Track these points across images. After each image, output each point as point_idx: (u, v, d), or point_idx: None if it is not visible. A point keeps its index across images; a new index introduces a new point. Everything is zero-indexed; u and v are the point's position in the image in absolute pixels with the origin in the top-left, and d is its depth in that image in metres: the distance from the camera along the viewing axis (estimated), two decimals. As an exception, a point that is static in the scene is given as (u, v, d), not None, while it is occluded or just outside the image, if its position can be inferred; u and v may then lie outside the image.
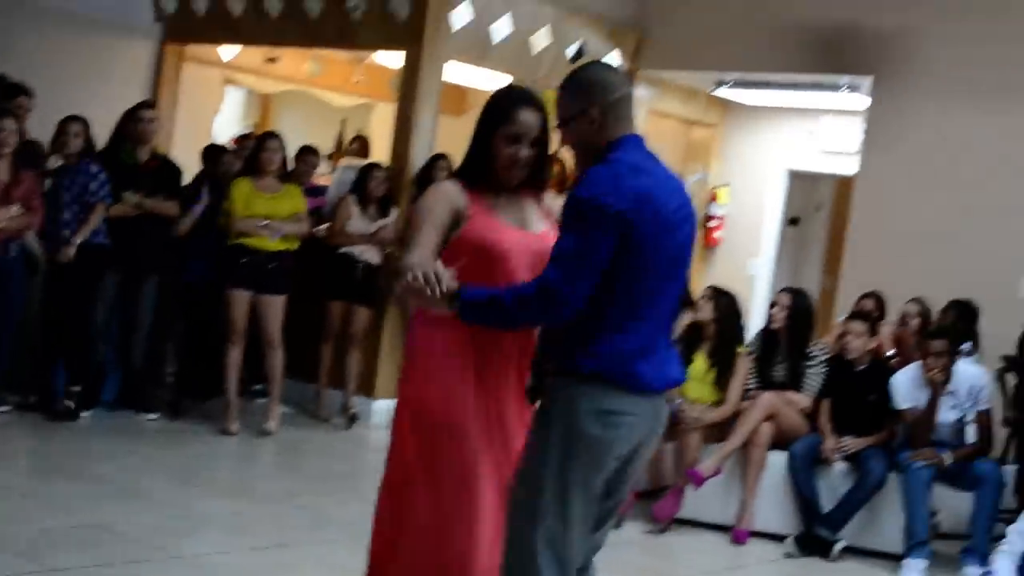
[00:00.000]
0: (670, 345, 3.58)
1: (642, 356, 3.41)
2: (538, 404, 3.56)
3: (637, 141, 3.51)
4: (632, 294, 3.38)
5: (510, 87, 3.98)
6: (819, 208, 13.14)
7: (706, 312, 7.29)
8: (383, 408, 8.77)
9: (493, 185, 3.85)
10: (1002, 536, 6.03)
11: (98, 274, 7.83)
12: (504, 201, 3.86)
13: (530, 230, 3.86)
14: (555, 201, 3.99)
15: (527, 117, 3.79)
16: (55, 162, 7.88)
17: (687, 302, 7.73)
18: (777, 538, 7.01)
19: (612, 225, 3.29)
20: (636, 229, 3.32)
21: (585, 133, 3.49)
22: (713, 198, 12.44)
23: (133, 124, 8.06)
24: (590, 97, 3.47)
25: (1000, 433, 7.58)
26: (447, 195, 3.82)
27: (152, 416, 8.10)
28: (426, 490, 3.79)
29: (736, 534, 7.01)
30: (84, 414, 7.82)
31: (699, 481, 6.92)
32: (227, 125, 12.34)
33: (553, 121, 3.64)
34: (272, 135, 8.39)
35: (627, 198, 3.31)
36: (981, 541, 6.68)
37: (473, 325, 3.56)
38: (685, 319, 7.35)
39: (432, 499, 3.78)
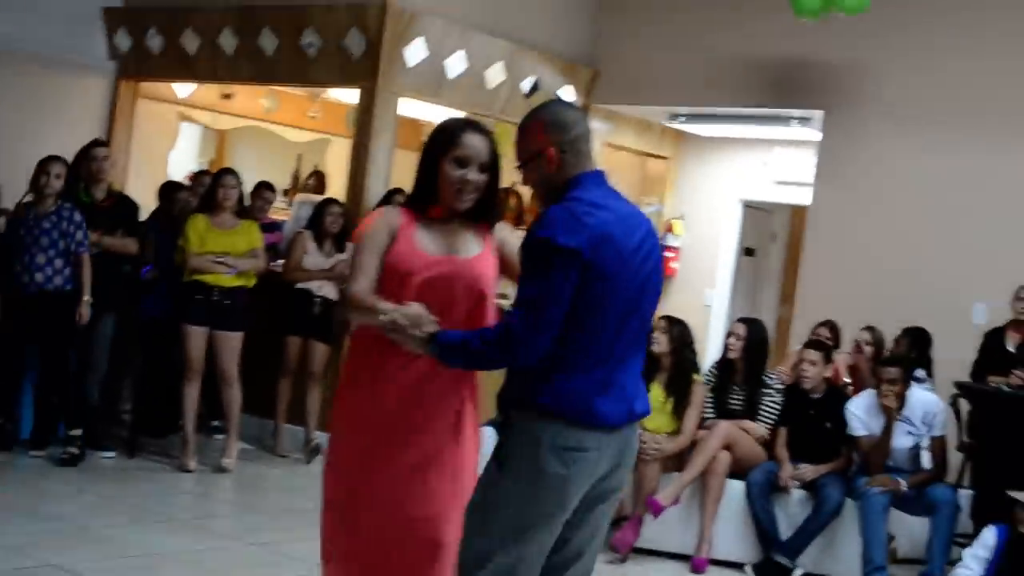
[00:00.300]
0: (636, 378, 3.58)
1: (602, 391, 3.41)
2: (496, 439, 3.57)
3: (597, 178, 3.52)
4: (591, 331, 3.38)
5: (458, 118, 3.99)
6: (774, 238, 13.25)
7: (662, 344, 7.31)
8: (342, 443, 8.77)
9: (442, 211, 3.84)
10: (958, 560, 6.08)
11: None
12: (440, 226, 3.84)
13: (459, 255, 3.82)
14: (507, 231, 4.00)
15: (474, 141, 3.77)
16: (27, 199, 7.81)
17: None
18: (736, 566, 7.04)
19: (571, 265, 3.30)
20: (594, 267, 3.33)
21: (545, 172, 3.50)
22: (669, 229, 12.51)
23: (87, 163, 8.03)
24: (548, 137, 3.48)
25: (955, 458, 7.66)
26: (385, 218, 3.84)
27: (109, 454, 8.05)
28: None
29: (695, 563, 7.02)
30: (36, 453, 7.78)
31: (658, 510, 6.94)
32: (183, 161, 12.31)
33: (512, 160, 3.63)
34: (229, 171, 8.38)
35: (584, 237, 3.32)
36: (938, 566, 6.74)
37: (452, 367, 3.60)
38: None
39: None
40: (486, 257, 3.86)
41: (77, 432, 7.80)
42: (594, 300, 3.35)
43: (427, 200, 3.83)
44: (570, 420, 3.36)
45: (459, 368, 3.67)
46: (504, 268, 3.93)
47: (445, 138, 3.79)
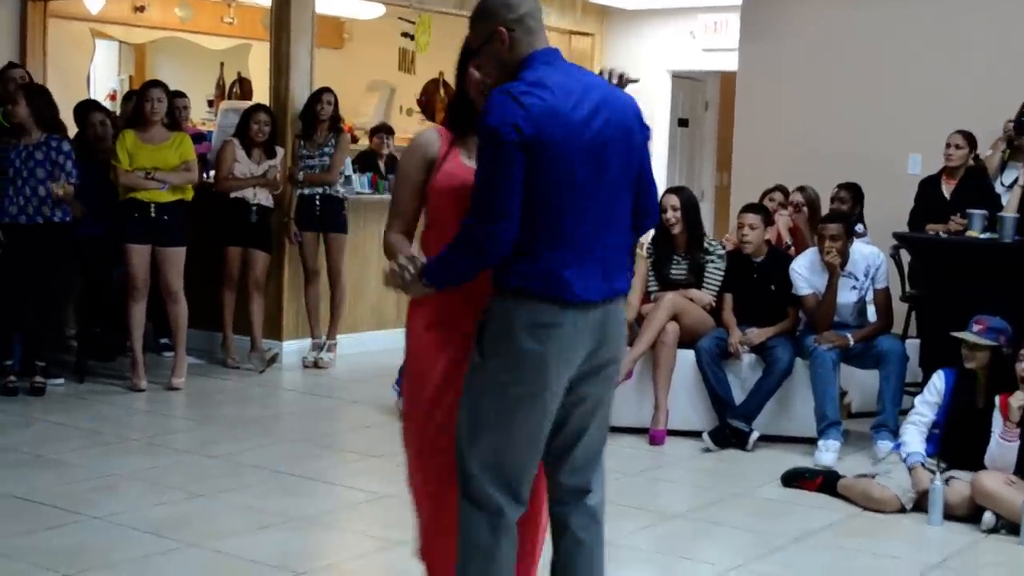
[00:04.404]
0: (617, 254, 3.53)
1: (572, 268, 3.39)
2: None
3: (547, 55, 3.46)
4: (553, 210, 3.35)
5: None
6: (707, 107, 13.24)
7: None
8: (293, 349, 8.85)
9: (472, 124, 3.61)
10: (911, 409, 6.17)
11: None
12: (467, 138, 3.65)
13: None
14: None
15: None
16: None
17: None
18: (694, 434, 7.09)
19: (512, 148, 3.26)
20: (539, 146, 3.29)
21: (498, 56, 3.45)
22: (601, 106, 12.45)
23: (3, 86, 7.88)
24: (495, 19, 3.43)
25: (900, 309, 7.73)
26: (420, 148, 3.66)
27: (58, 381, 7.96)
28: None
29: (653, 434, 7.08)
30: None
31: (611, 387, 6.96)
32: (102, 79, 12.09)
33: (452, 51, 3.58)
34: (155, 83, 8.21)
35: (522, 116, 3.27)
36: (890, 416, 6.82)
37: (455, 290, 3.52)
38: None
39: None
40: None
41: (42, 363, 7.76)
42: (548, 179, 3.33)
43: (470, 116, 3.62)
44: (542, 298, 3.37)
45: (454, 285, 3.51)
46: None
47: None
